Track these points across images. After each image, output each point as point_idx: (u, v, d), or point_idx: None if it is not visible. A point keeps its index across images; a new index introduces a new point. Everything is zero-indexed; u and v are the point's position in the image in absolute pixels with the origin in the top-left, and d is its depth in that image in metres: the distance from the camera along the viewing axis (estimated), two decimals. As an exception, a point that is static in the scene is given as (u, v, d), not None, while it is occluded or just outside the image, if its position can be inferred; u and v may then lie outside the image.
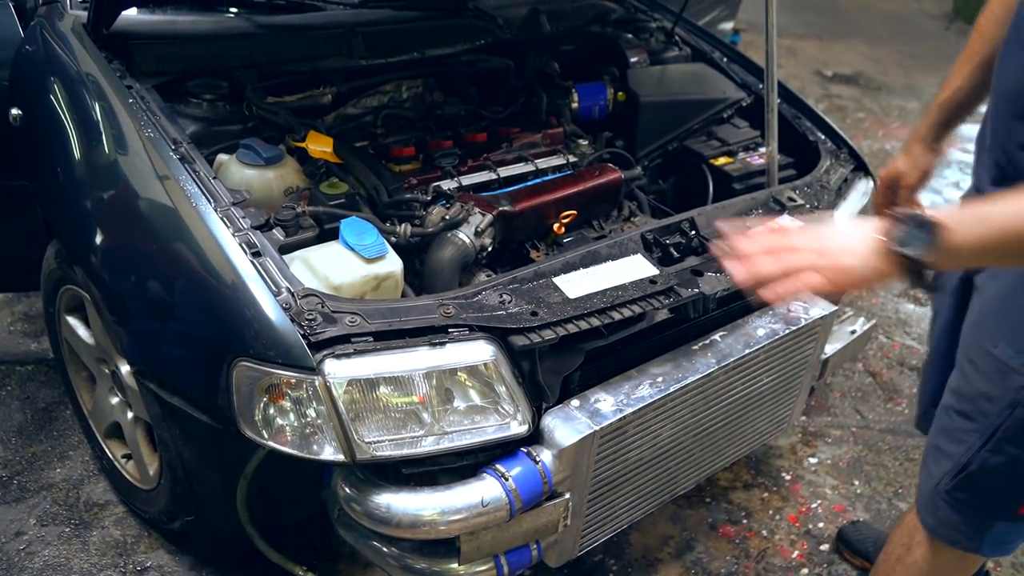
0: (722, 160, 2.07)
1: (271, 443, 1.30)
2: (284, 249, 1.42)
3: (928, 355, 1.57)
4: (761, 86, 2.18)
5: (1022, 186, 0.94)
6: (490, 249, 1.63)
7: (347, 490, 1.35)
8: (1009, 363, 1.16)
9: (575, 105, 2.19)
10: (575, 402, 1.43)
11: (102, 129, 1.57)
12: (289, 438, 1.30)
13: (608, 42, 2.34)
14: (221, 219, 1.37)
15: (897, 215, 0.97)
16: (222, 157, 1.67)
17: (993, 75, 1.26)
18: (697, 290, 1.51)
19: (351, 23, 1.97)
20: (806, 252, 1.02)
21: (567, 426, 1.38)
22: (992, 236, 0.94)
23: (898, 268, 0.97)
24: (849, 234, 1.02)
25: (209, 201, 1.40)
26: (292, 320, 1.24)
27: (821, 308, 1.71)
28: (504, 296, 1.39)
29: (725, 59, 2.36)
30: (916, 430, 1.62)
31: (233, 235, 1.35)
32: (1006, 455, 1.21)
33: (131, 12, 1.84)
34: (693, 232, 1.65)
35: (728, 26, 4.84)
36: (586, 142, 2.10)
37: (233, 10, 1.97)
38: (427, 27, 2.06)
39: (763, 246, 1.05)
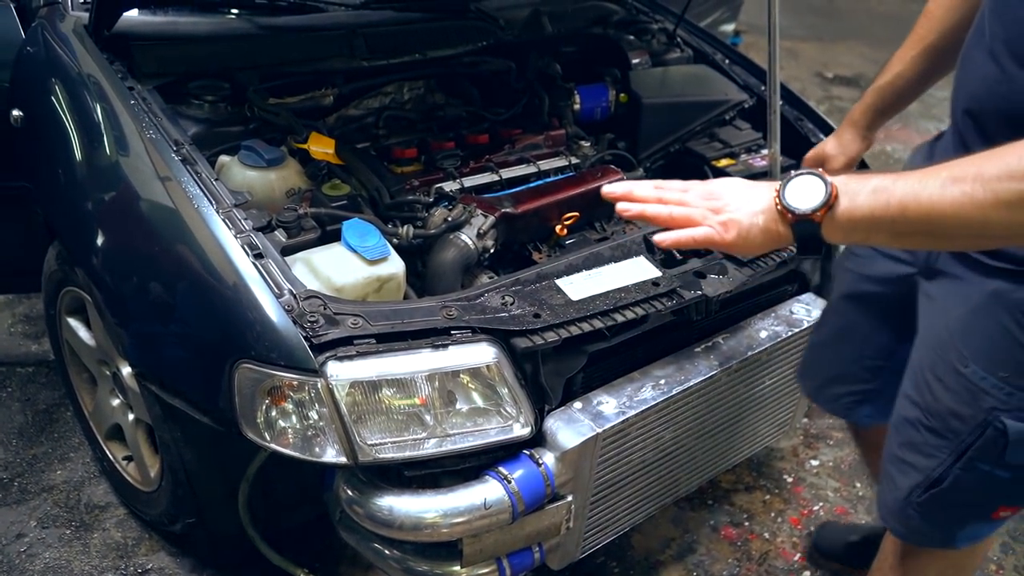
0: (724, 162, 2.06)
1: (273, 445, 1.30)
2: (286, 251, 1.42)
3: (827, 328, 1.52)
4: (763, 88, 2.18)
5: (932, 166, 0.91)
6: (492, 251, 1.63)
7: (349, 492, 1.35)
8: (980, 384, 1.12)
9: (577, 106, 2.18)
10: (578, 404, 1.43)
11: (103, 130, 1.57)
12: (291, 440, 1.30)
13: (610, 44, 2.33)
14: (223, 220, 1.37)
15: (793, 173, 0.95)
16: (224, 158, 1.67)
17: (954, 76, 1.22)
18: (700, 292, 1.51)
19: (353, 24, 1.96)
20: (699, 206, 1.01)
21: (570, 428, 1.38)
22: (888, 212, 0.89)
23: (787, 227, 0.95)
24: (746, 191, 1.01)
25: (211, 202, 1.39)
26: (294, 322, 1.24)
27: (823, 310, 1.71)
28: (507, 298, 1.39)
29: (727, 61, 2.36)
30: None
31: (235, 237, 1.35)
32: (978, 471, 1.17)
33: (132, 13, 1.83)
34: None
35: (729, 28, 4.84)
36: (588, 144, 2.10)
37: (235, 11, 1.97)
38: (429, 28, 2.06)
39: (656, 193, 1.04)
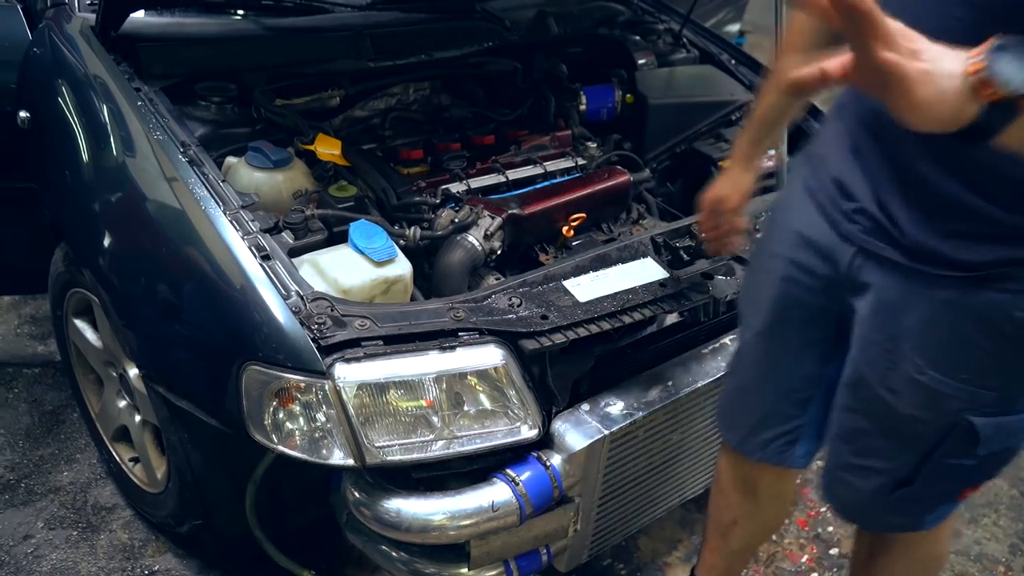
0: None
1: (280, 447, 1.30)
2: (293, 252, 1.42)
3: (745, 368, 1.38)
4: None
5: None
6: (499, 252, 1.63)
7: (356, 494, 1.35)
8: (940, 388, 1.08)
9: (583, 107, 2.18)
10: (585, 406, 1.42)
11: (110, 132, 1.57)
12: (299, 442, 1.29)
13: (616, 44, 2.33)
14: (230, 222, 1.37)
15: (998, 39, 0.73)
16: (231, 160, 1.67)
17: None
18: (707, 294, 1.50)
19: (359, 25, 1.96)
20: (895, 43, 0.73)
21: (577, 430, 1.37)
22: None
23: (975, 105, 0.73)
24: (942, 48, 0.75)
25: (218, 204, 1.40)
26: (302, 324, 1.24)
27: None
28: (514, 299, 1.39)
29: (733, 61, 2.35)
30: None
31: (242, 238, 1.35)
32: (947, 466, 1.15)
33: (139, 14, 1.83)
34: (703, 235, 1.64)
35: (734, 28, 4.83)
36: (594, 144, 2.09)
37: (241, 13, 1.97)
38: (435, 29, 2.06)
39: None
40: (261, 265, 1.31)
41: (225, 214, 1.38)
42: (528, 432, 1.35)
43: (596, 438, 1.36)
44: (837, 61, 0.75)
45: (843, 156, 1.13)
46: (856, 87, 0.78)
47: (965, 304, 1.04)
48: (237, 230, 1.36)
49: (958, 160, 0.98)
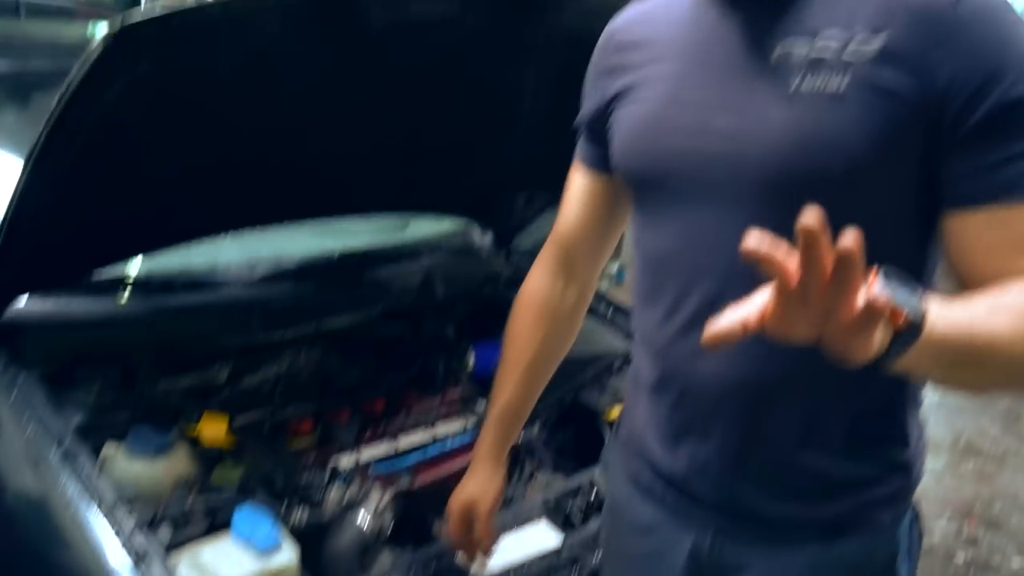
0: (617, 410, 2.13)
1: None
2: (172, 547, 1.35)
3: None
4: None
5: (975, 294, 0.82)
6: (391, 528, 1.59)
7: None
8: None
9: (472, 366, 2.25)
10: None
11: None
12: None
13: (500, 301, 2.45)
14: (102, 521, 1.30)
15: (882, 270, 0.72)
16: (109, 448, 1.61)
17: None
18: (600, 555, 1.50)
19: (249, 299, 2.01)
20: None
21: None
22: (959, 336, 0.77)
23: (887, 333, 0.73)
24: None
25: (91, 501, 1.33)
26: (177, 634, 1.16)
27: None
28: (407, 583, 1.35)
29: (609, 312, 2.50)
30: None
31: (115, 538, 1.27)
32: None
33: (21, 299, 1.82)
34: (595, 492, 1.67)
35: (614, 266, 5.14)
36: (485, 402, 2.14)
37: (128, 293, 1.99)
38: (324, 299, 2.13)
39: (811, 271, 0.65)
40: (133, 568, 1.23)
41: (97, 512, 1.31)
42: None
43: None
44: (755, 310, 0.71)
45: (665, 442, 1.09)
46: (778, 333, 0.71)
47: (831, 557, 1.05)
48: (110, 529, 1.28)
49: (796, 420, 1.00)
